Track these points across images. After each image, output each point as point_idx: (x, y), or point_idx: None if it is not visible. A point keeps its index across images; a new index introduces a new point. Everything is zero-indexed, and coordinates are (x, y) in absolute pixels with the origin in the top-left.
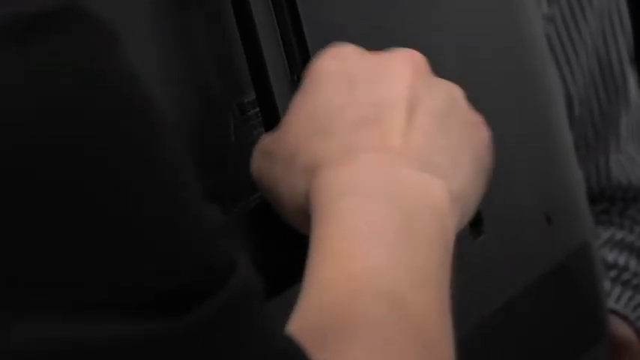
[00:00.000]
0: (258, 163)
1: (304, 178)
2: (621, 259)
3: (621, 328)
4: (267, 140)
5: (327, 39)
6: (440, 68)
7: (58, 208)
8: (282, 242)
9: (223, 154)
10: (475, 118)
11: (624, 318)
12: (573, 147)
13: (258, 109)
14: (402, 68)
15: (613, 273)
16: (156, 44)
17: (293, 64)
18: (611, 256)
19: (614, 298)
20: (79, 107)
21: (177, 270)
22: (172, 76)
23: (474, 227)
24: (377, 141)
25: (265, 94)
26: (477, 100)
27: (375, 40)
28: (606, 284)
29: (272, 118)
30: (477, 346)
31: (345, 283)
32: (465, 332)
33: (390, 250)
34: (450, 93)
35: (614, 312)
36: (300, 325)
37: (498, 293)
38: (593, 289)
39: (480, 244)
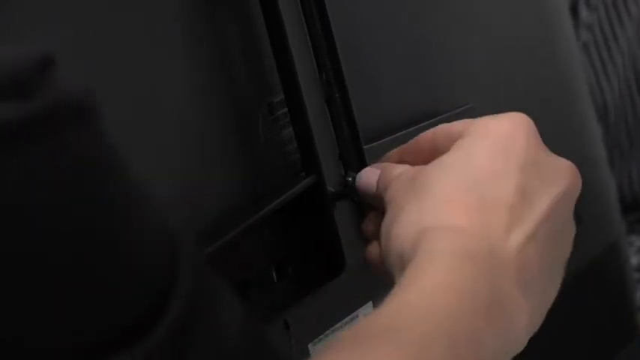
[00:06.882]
0: (398, 183)
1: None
2: None
3: None
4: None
5: (356, 39)
6: (470, 69)
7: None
8: (312, 240)
9: (252, 154)
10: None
11: None
12: (603, 147)
13: (286, 109)
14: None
15: None
16: (185, 47)
17: (321, 64)
18: None
19: None
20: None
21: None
22: (202, 77)
23: None
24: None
25: (293, 94)
26: (507, 100)
27: (403, 40)
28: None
29: (300, 118)
30: None
31: None
32: None
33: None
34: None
35: None
36: None
37: None
38: (623, 288)
39: None
